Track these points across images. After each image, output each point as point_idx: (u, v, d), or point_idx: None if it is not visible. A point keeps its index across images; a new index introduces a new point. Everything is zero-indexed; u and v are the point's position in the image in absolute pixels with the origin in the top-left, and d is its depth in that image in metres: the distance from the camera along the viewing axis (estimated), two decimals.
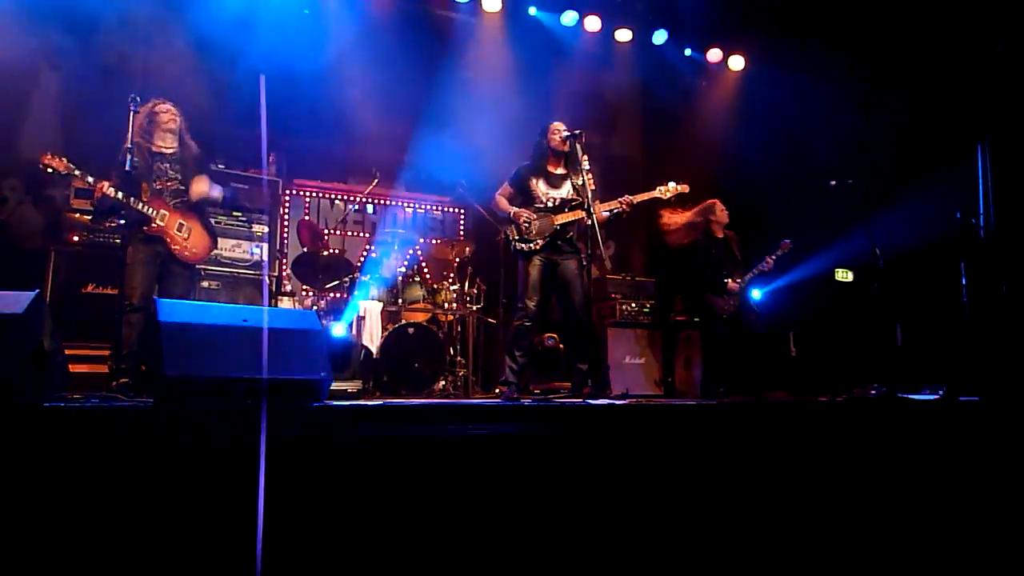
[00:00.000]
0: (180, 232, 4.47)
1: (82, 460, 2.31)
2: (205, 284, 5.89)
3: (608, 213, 4.91)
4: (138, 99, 4.09)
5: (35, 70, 6.17)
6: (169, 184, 4.52)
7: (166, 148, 4.51)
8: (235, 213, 6.12)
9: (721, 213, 6.18)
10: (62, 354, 3.20)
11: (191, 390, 2.62)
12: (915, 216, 6.43)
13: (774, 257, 6.07)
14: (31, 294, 2.76)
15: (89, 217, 5.52)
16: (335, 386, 5.04)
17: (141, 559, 2.32)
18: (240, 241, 6.12)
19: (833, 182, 5.50)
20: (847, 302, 6.55)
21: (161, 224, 4.39)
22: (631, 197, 4.92)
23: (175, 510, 2.39)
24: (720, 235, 6.20)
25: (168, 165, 4.50)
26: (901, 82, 7.01)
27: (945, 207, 6.17)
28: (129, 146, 3.92)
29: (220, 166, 6.15)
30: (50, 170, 4.13)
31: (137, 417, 2.50)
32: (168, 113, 4.55)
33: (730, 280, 6.02)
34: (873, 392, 5.24)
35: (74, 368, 4.71)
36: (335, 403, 3.11)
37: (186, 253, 4.50)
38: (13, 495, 2.22)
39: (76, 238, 5.44)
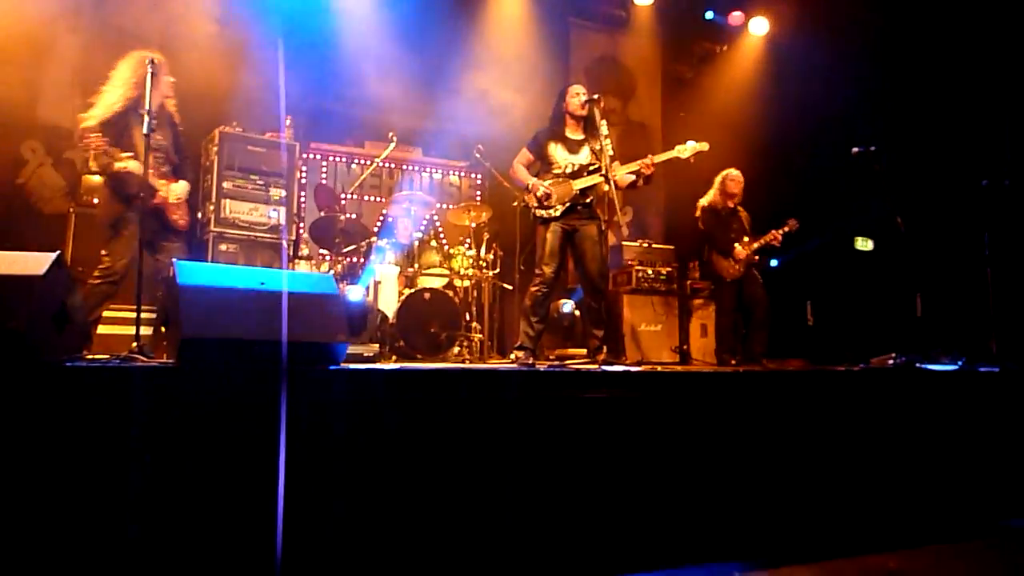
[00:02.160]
0: (175, 202, 4.47)
1: (103, 419, 2.35)
2: (223, 247, 5.92)
3: (631, 176, 4.86)
4: (155, 61, 4.06)
5: (52, 32, 6.16)
6: (159, 154, 4.43)
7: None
8: (252, 176, 6.12)
9: (731, 183, 6.27)
10: (83, 315, 3.24)
11: (209, 351, 2.64)
12: (939, 183, 6.33)
13: (781, 233, 6.18)
14: (52, 255, 2.78)
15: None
16: (351, 350, 5.07)
17: (161, 518, 2.37)
18: (257, 205, 6.12)
19: (856, 148, 5.41)
20: (867, 270, 6.49)
21: (163, 195, 4.39)
22: (652, 158, 4.87)
23: (194, 470, 2.43)
24: (730, 205, 6.31)
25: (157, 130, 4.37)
26: (927, 47, 6.86)
27: (971, 174, 6.06)
28: (148, 109, 3.90)
29: (237, 129, 6.14)
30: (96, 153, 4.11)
31: (158, 376, 2.53)
32: (166, 71, 4.43)
33: (737, 245, 6.11)
34: (891, 362, 5.20)
35: (95, 329, 4.80)
36: (352, 366, 3.14)
37: (180, 223, 4.49)
38: (36, 453, 2.26)
39: (96, 200, 5.47)
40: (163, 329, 4.01)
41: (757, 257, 6.27)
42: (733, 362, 6.05)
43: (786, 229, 6.19)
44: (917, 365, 4.80)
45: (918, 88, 6.97)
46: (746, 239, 6.20)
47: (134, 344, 3.50)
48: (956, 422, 4.00)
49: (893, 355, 5.20)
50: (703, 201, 6.40)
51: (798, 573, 3.16)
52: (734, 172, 6.31)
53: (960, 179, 6.28)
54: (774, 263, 7.61)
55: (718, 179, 6.35)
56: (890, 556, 3.35)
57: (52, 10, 6.05)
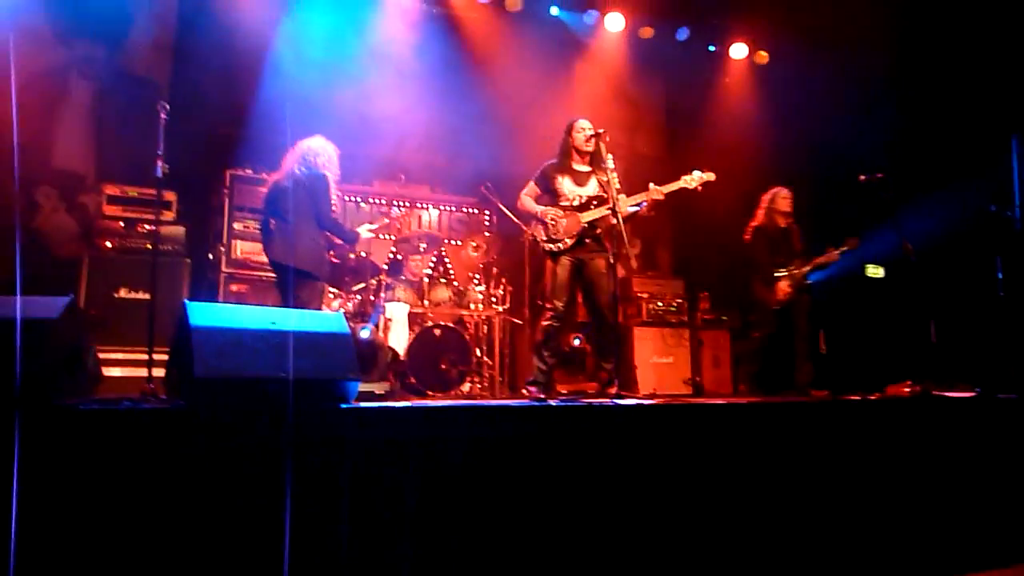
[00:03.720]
0: None
1: (114, 461, 2.34)
2: (234, 288, 5.96)
3: (636, 208, 4.87)
4: (167, 106, 4.13)
5: (66, 79, 6.28)
6: None
7: None
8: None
9: (782, 201, 5.93)
10: (95, 358, 3.25)
11: (221, 391, 2.64)
12: (948, 210, 6.32)
13: (839, 252, 5.75)
14: (65, 299, 2.80)
15: (121, 223, 5.61)
16: (362, 388, 5.05)
17: (171, 558, 2.34)
18: None
19: (862, 177, 5.41)
20: (879, 298, 6.46)
21: None
22: (658, 187, 4.86)
23: (205, 510, 2.41)
24: (782, 224, 5.93)
25: None
26: (931, 75, 6.90)
27: (979, 200, 6.05)
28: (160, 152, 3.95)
29: (247, 171, 6.22)
30: None
31: (168, 418, 2.52)
32: None
33: (779, 275, 5.76)
34: (907, 390, 5.14)
35: (107, 371, 4.81)
36: (363, 405, 3.12)
37: None
38: (48, 494, 2.25)
39: (109, 244, 5.52)
40: (174, 370, 4.02)
41: (808, 281, 5.85)
42: (742, 388, 5.80)
43: (845, 248, 5.74)
44: (934, 392, 4.74)
45: (924, 113, 6.99)
46: (797, 262, 5.79)
47: (149, 386, 3.50)
48: (976, 450, 3.93)
49: (909, 383, 5.14)
50: (753, 223, 6.02)
51: None
52: (784, 191, 5.99)
53: (969, 205, 6.27)
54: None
55: (767, 198, 6.01)
56: None
57: (66, 58, 6.18)
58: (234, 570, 2.40)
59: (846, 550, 3.48)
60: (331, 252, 6.44)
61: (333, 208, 4.90)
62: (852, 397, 4.81)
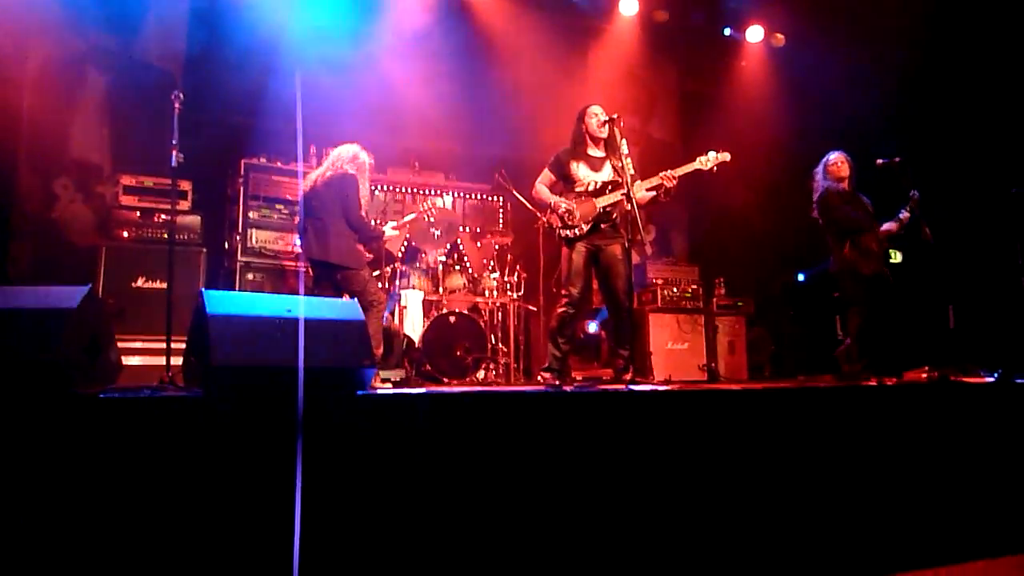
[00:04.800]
0: None
1: (132, 448, 2.37)
2: (250, 276, 6.00)
3: (651, 193, 4.84)
4: (181, 96, 4.15)
5: (81, 70, 6.32)
6: None
7: None
8: (277, 205, 6.21)
9: (835, 167, 5.47)
10: (114, 346, 3.29)
11: (238, 378, 2.66)
12: (968, 193, 6.24)
13: (910, 209, 5.30)
14: (84, 288, 2.83)
15: (138, 213, 5.66)
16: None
17: (188, 545, 2.38)
18: (283, 233, 6.20)
19: (880, 160, 5.34)
20: (897, 283, 6.39)
21: None
22: (672, 171, 4.81)
23: (222, 497, 2.44)
24: (848, 188, 5.47)
25: None
26: (950, 56, 6.79)
27: (999, 183, 5.96)
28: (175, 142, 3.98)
29: (262, 159, 6.24)
30: None
31: (187, 406, 2.55)
32: None
33: (864, 234, 5.30)
34: (925, 375, 5.10)
35: (126, 360, 4.86)
36: (378, 391, 3.14)
37: None
38: (69, 483, 2.29)
39: (125, 234, 5.58)
40: (191, 359, 4.06)
41: (888, 246, 5.46)
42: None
43: (912, 206, 5.28)
44: (951, 378, 4.70)
45: (943, 96, 6.89)
46: (875, 225, 5.38)
47: (167, 374, 3.55)
48: (994, 435, 3.90)
49: (927, 368, 5.10)
50: (817, 194, 5.51)
51: None
52: (834, 155, 5.53)
53: (989, 187, 6.19)
54: (800, 277, 7.55)
55: (819, 168, 5.56)
56: (930, 573, 3.27)
57: (82, 49, 6.22)
58: (248, 556, 2.43)
59: (861, 535, 3.47)
60: None
61: (362, 208, 5.05)
62: (869, 383, 4.79)
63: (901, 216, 5.35)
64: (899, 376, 5.12)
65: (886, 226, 5.41)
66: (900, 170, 5.21)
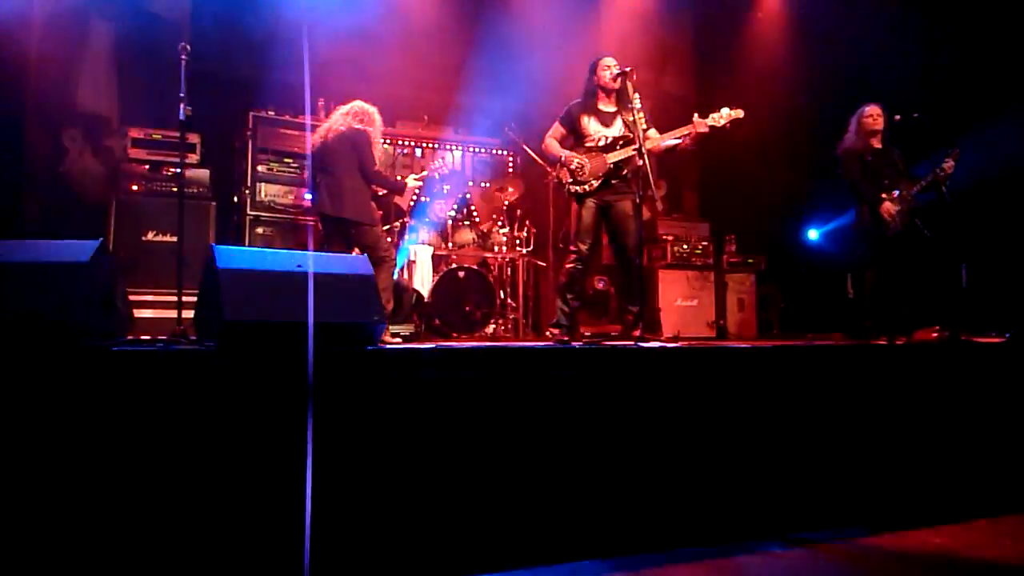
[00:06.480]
0: None
1: (145, 401, 2.40)
2: (260, 231, 6.00)
3: (676, 140, 4.76)
4: (188, 48, 4.09)
5: (86, 22, 6.23)
6: None
7: None
8: (286, 159, 6.18)
9: (868, 120, 5.39)
10: (126, 299, 3.31)
11: (250, 334, 2.68)
12: (985, 151, 6.13)
13: (948, 167, 5.16)
14: (95, 242, 2.84)
15: (147, 166, 5.64)
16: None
17: (198, 498, 2.42)
18: (292, 188, 6.18)
19: (898, 117, 5.25)
20: (910, 242, 6.33)
21: None
22: (702, 119, 4.68)
23: (234, 450, 2.48)
24: (877, 145, 5.40)
25: None
26: (969, 12, 6.61)
27: (1018, 141, 5.86)
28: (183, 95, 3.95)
29: (270, 112, 6.19)
30: None
31: (199, 360, 2.57)
32: None
33: (886, 196, 5.25)
34: (935, 335, 5.08)
35: (138, 312, 4.90)
36: (388, 346, 3.16)
37: None
38: (81, 436, 2.32)
39: (135, 187, 5.56)
40: (203, 312, 4.09)
41: (919, 204, 5.33)
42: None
43: (951, 162, 5.15)
44: (962, 337, 4.68)
45: (963, 52, 6.73)
46: (904, 183, 5.29)
47: (179, 327, 3.57)
48: (1004, 395, 3.90)
49: (937, 328, 5.07)
50: (842, 146, 5.50)
51: (838, 548, 3.13)
52: (869, 107, 5.43)
53: (1006, 146, 6.08)
54: (813, 234, 7.49)
55: (853, 119, 5.49)
56: (932, 531, 3.29)
57: None
58: (260, 509, 2.47)
59: (866, 490, 3.50)
60: None
61: (377, 162, 5.01)
62: (879, 341, 4.78)
63: (944, 168, 5.18)
64: (910, 335, 5.11)
65: (921, 182, 5.27)
66: (918, 126, 5.12)
